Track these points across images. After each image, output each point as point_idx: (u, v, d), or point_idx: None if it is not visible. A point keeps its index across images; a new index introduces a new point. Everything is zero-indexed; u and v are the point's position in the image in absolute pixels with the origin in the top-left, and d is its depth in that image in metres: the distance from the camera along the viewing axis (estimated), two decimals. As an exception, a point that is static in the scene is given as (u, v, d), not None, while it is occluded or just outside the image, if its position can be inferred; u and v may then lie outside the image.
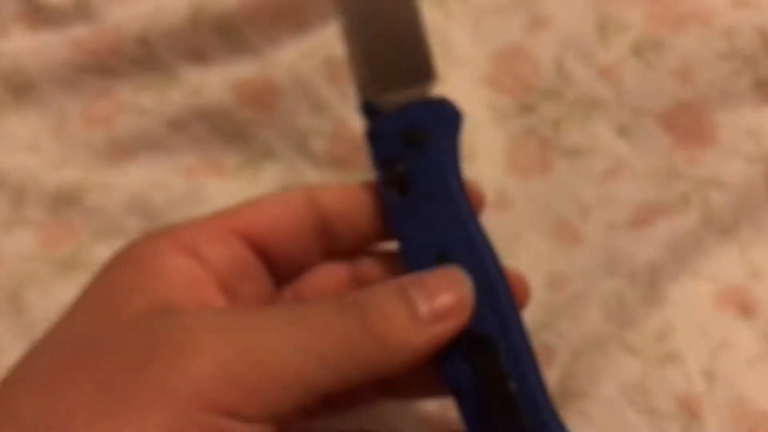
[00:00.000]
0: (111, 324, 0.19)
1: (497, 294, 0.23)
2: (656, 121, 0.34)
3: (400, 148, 0.24)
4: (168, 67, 0.36)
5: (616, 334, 0.30)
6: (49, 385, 0.18)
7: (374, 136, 0.24)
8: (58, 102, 0.36)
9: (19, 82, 0.36)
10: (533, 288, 0.32)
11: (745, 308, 0.31)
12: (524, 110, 0.35)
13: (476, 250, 0.23)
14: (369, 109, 0.25)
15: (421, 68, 0.25)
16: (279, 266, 0.24)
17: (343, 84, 0.35)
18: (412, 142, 0.24)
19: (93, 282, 0.22)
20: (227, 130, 0.35)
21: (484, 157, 0.35)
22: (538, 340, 0.31)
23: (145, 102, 0.36)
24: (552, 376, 0.30)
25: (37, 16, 0.38)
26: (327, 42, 0.35)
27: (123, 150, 0.35)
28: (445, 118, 0.24)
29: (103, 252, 0.33)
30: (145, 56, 0.36)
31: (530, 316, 0.31)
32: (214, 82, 0.36)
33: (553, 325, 0.31)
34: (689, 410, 0.29)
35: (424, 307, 0.20)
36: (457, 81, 0.36)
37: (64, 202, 0.34)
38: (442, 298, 0.21)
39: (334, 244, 0.24)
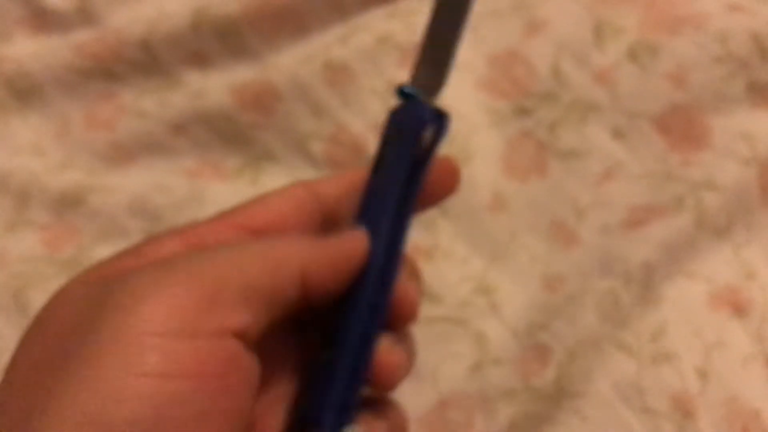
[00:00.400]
0: (71, 298, 0.20)
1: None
2: (651, 124, 0.35)
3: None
4: (170, 71, 0.37)
5: (611, 334, 0.30)
6: (31, 368, 0.19)
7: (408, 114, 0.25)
8: (62, 105, 0.37)
9: (23, 86, 0.36)
10: (530, 288, 0.33)
11: (738, 308, 0.32)
12: (521, 113, 0.36)
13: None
14: (404, 93, 0.25)
15: (443, 81, 0.26)
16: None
17: (342, 88, 0.36)
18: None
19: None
20: (228, 133, 0.36)
21: (481, 159, 0.35)
22: (534, 339, 0.31)
23: (146, 105, 0.36)
24: (548, 375, 0.30)
25: (41, 20, 0.38)
26: (326, 47, 0.36)
27: (125, 153, 0.36)
28: (443, 131, 0.25)
29: (105, 253, 0.33)
30: (147, 60, 0.36)
31: (527, 316, 0.32)
32: (215, 85, 0.36)
33: (549, 325, 0.31)
34: (683, 409, 0.29)
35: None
36: (454, 85, 0.36)
37: (68, 204, 0.34)
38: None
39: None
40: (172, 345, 0.17)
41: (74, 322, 0.18)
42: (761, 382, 0.30)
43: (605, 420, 0.29)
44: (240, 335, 0.18)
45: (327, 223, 0.24)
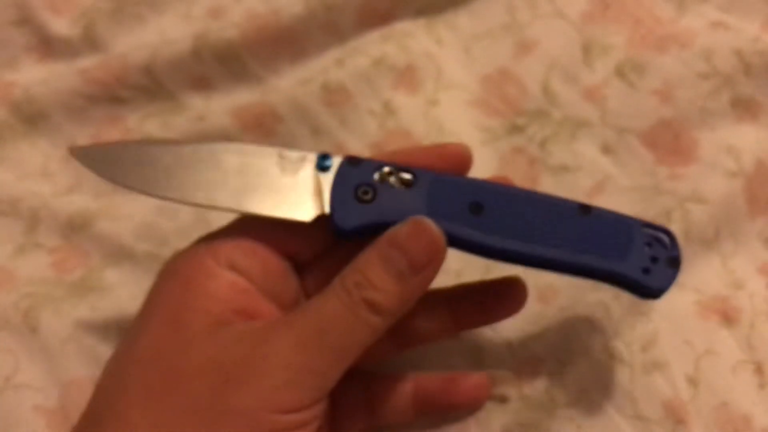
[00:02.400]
0: (181, 344, 0.23)
1: None
2: (639, 139, 0.35)
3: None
4: (173, 95, 0.37)
5: (603, 344, 0.31)
6: (149, 400, 0.22)
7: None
8: (69, 130, 0.37)
9: (31, 111, 0.37)
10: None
11: (727, 317, 0.32)
12: (513, 130, 0.37)
13: None
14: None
15: None
16: (300, 259, 0.26)
17: (339, 109, 0.37)
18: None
19: (150, 301, 0.24)
20: None
21: (475, 174, 0.36)
22: (527, 350, 0.32)
23: (151, 128, 0.37)
24: (541, 384, 0.31)
25: (47, 47, 0.39)
26: (324, 70, 0.37)
27: None
28: None
29: (113, 275, 0.34)
30: (150, 85, 0.37)
31: (520, 327, 0.33)
32: (217, 108, 0.37)
33: (542, 335, 0.32)
34: (675, 416, 0.30)
35: (402, 264, 0.23)
36: (449, 104, 0.37)
37: (76, 227, 0.35)
38: (416, 249, 0.23)
39: None
40: (274, 419, 0.22)
41: (203, 375, 0.22)
42: (751, 389, 0.31)
43: (599, 428, 0.30)
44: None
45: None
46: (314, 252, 0.27)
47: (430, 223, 0.24)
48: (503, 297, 0.29)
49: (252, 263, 0.24)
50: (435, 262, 0.24)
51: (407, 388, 0.29)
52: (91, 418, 0.23)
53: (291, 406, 0.22)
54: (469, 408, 0.30)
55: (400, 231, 0.23)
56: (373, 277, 0.23)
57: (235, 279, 0.24)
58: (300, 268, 0.27)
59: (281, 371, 0.22)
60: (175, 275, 0.24)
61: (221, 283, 0.24)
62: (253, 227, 0.25)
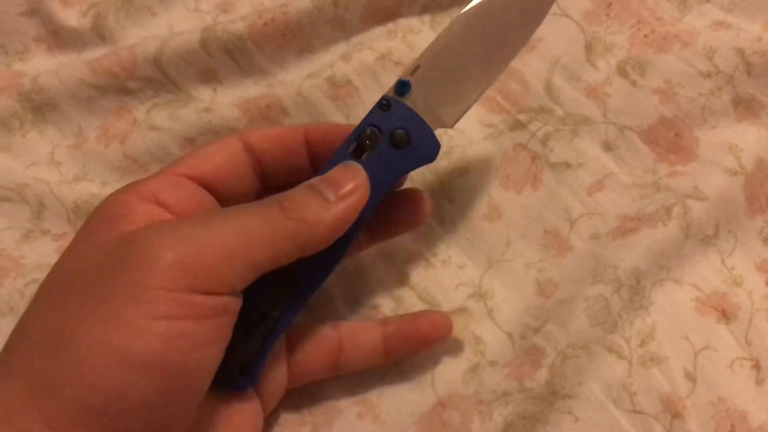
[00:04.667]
0: (87, 255, 0.24)
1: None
2: (640, 137, 0.36)
3: (386, 128, 0.27)
4: (180, 87, 0.38)
5: (602, 338, 0.31)
6: (47, 309, 0.23)
7: (386, 103, 0.28)
8: (77, 119, 0.38)
9: (40, 100, 0.37)
10: (524, 294, 0.33)
11: (725, 313, 0.32)
12: (515, 126, 0.37)
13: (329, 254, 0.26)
14: (401, 87, 0.28)
15: (453, 117, 0.30)
16: (227, 202, 0.28)
17: (344, 102, 0.37)
18: (396, 137, 0.27)
19: (76, 234, 0.25)
20: None
21: (477, 170, 0.36)
22: (527, 343, 0.32)
23: (158, 120, 0.37)
24: (541, 377, 0.31)
25: (57, 38, 0.40)
26: (330, 64, 0.37)
27: (137, 165, 0.37)
28: (430, 151, 0.28)
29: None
30: (158, 76, 0.37)
31: (521, 320, 0.33)
32: (224, 100, 0.37)
33: (543, 329, 0.32)
34: (673, 410, 0.30)
35: (329, 193, 0.25)
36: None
37: (82, 213, 0.35)
38: (343, 183, 0.26)
39: (269, 180, 0.29)
40: (177, 297, 0.22)
41: (97, 269, 0.23)
42: (748, 385, 0.31)
43: (597, 420, 0.30)
44: (229, 292, 0.23)
45: (259, 172, 0.29)
46: (245, 194, 0.29)
47: (357, 165, 0.26)
48: (409, 208, 0.31)
49: (176, 197, 0.26)
50: (359, 194, 0.26)
51: (375, 331, 0.31)
52: (10, 338, 0.24)
53: (194, 286, 0.22)
54: (432, 343, 0.31)
55: (330, 171, 0.26)
56: (298, 196, 0.25)
57: (153, 209, 0.25)
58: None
59: (179, 253, 0.22)
60: (97, 210, 0.26)
61: (137, 210, 0.25)
62: (186, 166, 0.27)
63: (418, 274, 0.34)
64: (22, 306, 0.33)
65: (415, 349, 0.31)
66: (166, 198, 0.26)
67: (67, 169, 0.37)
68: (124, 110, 0.38)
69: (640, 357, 0.31)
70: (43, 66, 0.39)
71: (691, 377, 0.31)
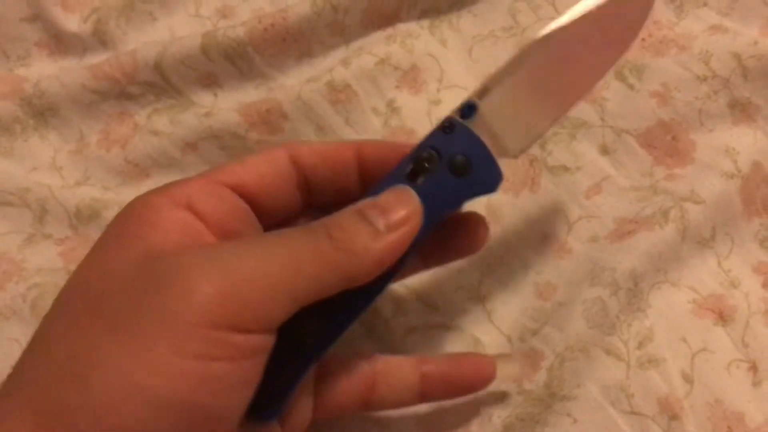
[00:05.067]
0: (114, 269, 0.21)
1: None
2: (637, 140, 0.36)
3: (446, 152, 0.25)
4: (181, 92, 0.38)
5: (600, 340, 0.31)
6: (66, 327, 0.21)
7: (449, 126, 0.26)
8: (78, 124, 0.38)
9: (41, 105, 0.38)
10: (523, 297, 0.34)
11: (722, 316, 0.33)
12: (514, 130, 0.37)
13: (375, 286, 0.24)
14: (467, 110, 0.26)
15: (519, 148, 0.27)
16: (266, 214, 0.26)
17: (344, 107, 0.37)
18: (456, 163, 0.25)
19: (99, 239, 0.23)
20: (236, 150, 0.37)
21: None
22: (526, 345, 0.32)
23: (159, 124, 0.37)
24: (539, 379, 0.31)
25: (58, 43, 0.40)
26: (329, 69, 0.37)
27: (139, 169, 0.37)
28: (491, 180, 0.26)
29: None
30: (159, 81, 0.38)
31: (519, 322, 0.33)
32: (225, 105, 0.38)
33: (541, 331, 0.32)
34: (670, 411, 0.30)
35: (380, 221, 0.23)
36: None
37: (84, 218, 0.36)
38: (395, 211, 0.23)
39: (314, 197, 0.27)
40: (214, 336, 0.20)
41: (125, 289, 0.20)
42: (745, 386, 0.31)
43: (595, 422, 0.30)
44: (268, 330, 0.21)
45: (304, 187, 0.27)
46: (286, 209, 0.27)
47: (410, 191, 0.24)
48: (466, 233, 0.29)
49: (211, 205, 0.24)
50: (410, 225, 0.24)
51: (413, 370, 0.28)
52: (21, 357, 0.21)
53: (228, 322, 0.20)
54: (474, 390, 0.30)
55: (381, 195, 0.24)
56: (347, 224, 0.23)
57: (185, 217, 0.23)
58: (270, 227, 0.26)
59: (217, 282, 0.20)
60: (123, 212, 0.24)
61: (168, 217, 0.23)
62: (227, 173, 0.25)
63: (417, 277, 0.34)
64: (24, 309, 0.34)
65: (454, 394, 0.30)
66: (200, 206, 0.24)
67: (68, 173, 0.37)
68: (126, 115, 0.38)
69: (637, 359, 0.31)
70: (45, 71, 0.39)
71: (688, 379, 0.31)
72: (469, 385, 0.29)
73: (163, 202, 0.23)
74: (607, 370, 0.31)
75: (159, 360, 0.19)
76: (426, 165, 0.25)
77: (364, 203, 0.24)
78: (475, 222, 0.28)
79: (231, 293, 0.20)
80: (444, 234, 0.28)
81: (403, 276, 0.30)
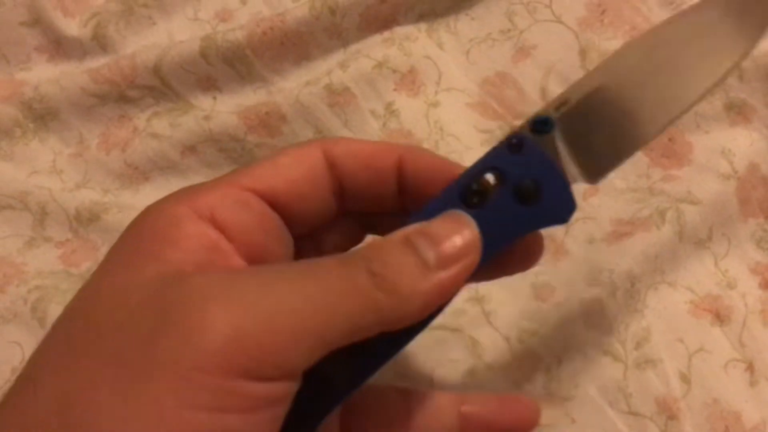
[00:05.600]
0: (121, 294, 0.18)
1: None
2: (634, 142, 0.36)
3: (512, 175, 0.22)
4: (180, 95, 0.38)
5: (598, 341, 0.31)
6: (65, 361, 0.18)
7: (517, 143, 0.22)
8: (78, 128, 0.38)
9: (41, 109, 0.38)
10: (521, 298, 0.34)
11: (719, 316, 0.33)
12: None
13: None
14: (541, 126, 0.22)
15: (599, 172, 0.23)
16: (297, 223, 0.23)
17: (342, 110, 0.37)
18: (523, 189, 0.21)
19: (110, 252, 0.20)
20: (236, 153, 0.37)
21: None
22: (524, 346, 0.33)
23: (159, 128, 0.37)
24: (537, 379, 0.31)
25: (58, 48, 0.40)
26: (328, 72, 0.38)
27: (138, 172, 0.37)
28: (562, 210, 0.22)
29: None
30: (159, 85, 0.38)
31: (518, 323, 0.33)
32: (223, 108, 0.38)
33: (539, 332, 0.32)
34: (668, 411, 0.30)
35: (430, 254, 0.19)
36: (449, 106, 0.38)
37: (84, 221, 0.36)
38: (449, 242, 0.20)
39: (349, 202, 0.24)
40: (227, 385, 0.17)
41: (133, 321, 0.18)
42: (742, 386, 0.31)
43: (593, 422, 0.30)
44: (290, 377, 0.18)
45: (340, 191, 0.23)
46: (319, 216, 0.23)
47: (468, 219, 0.21)
48: (519, 249, 0.24)
49: (237, 217, 0.21)
50: (467, 260, 0.20)
51: (451, 408, 0.25)
52: (9, 391, 0.18)
53: (243, 368, 0.17)
54: None
55: (433, 221, 0.21)
56: (391, 257, 0.19)
57: (208, 233, 0.20)
58: (303, 239, 0.24)
59: (232, 322, 0.17)
60: (139, 222, 0.20)
61: (189, 233, 0.20)
62: (255, 179, 0.22)
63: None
64: (25, 312, 0.34)
65: None
66: (224, 217, 0.21)
67: (68, 176, 0.37)
68: (125, 118, 0.38)
69: (635, 359, 0.31)
70: (45, 75, 0.39)
71: (685, 379, 0.31)
72: (511, 429, 0.26)
73: (183, 214, 0.20)
74: (604, 370, 0.31)
75: (164, 411, 0.16)
76: (487, 188, 0.21)
77: (412, 229, 0.20)
78: (531, 238, 0.24)
79: (251, 335, 0.17)
80: None
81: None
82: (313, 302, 0.18)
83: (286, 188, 0.22)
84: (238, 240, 0.21)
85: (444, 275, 0.19)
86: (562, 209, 0.22)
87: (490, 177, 0.22)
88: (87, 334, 0.18)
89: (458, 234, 0.20)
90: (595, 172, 0.23)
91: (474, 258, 0.20)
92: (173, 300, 0.18)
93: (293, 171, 0.22)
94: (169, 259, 0.19)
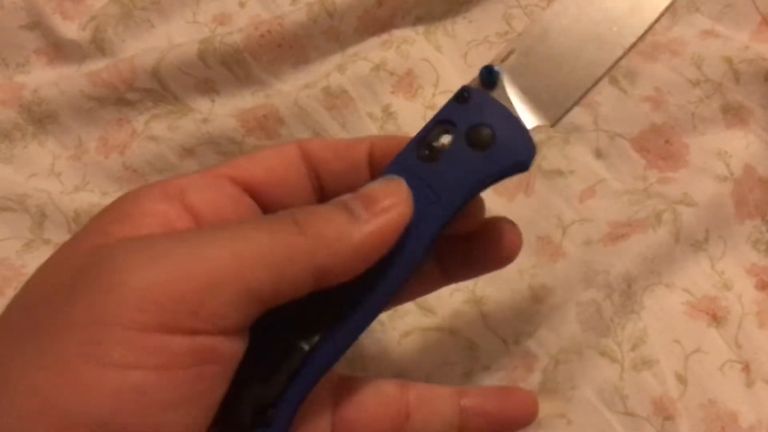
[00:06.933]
0: (58, 266, 0.19)
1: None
2: (631, 144, 0.36)
3: (463, 124, 0.21)
4: (179, 98, 0.38)
5: (595, 342, 0.32)
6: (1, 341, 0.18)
7: (463, 96, 0.22)
8: (77, 130, 0.38)
9: (40, 112, 0.38)
10: (518, 299, 0.34)
11: (716, 317, 0.33)
12: (509, 135, 0.37)
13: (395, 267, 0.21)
14: (487, 76, 0.22)
15: (556, 113, 0.23)
16: (275, 210, 0.23)
17: (340, 112, 0.37)
18: (475, 135, 0.21)
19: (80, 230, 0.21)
20: (234, 155, 0.37)
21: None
22: (521, 347, 0.33)
23: (157, 130, 0.38)
24: (534, 380, 0.31)
25: (57, 51, 0.40)
26: (325, 75, 0.38)
27: (137, 175, 0.37)
28: (520, 153, 0.22)
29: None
30: (157, 88, 0.38)
31: (514, 325, 0.33)
32: (222, 111, 0.38)
33: (536, 333, 0.32)
34: (664, 412, 0.30)
35: (356, 205, 0.20)
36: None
37: (83, 223, 0.35)
38: (380, 202, 0.20)
39: (326, 195, 0.24)
40: (138, 338, 0.16)
41: (57, 291, 0.18)
42: (738, 387, 0.32)
43: (590, 423, 0.30)
44: (219, 331, 0.18)
45: (315, 183, 0.24)
46: (296, 206, 0.23)
47: (398, 179, 0.21)
48: (494, 243, 0.25)
49: (208, 199, 0.21)
50: (395, 211, 0.20)
51: (451, 402, 0.25)
52: None
53: (167, 322, 0.16)
54: (517, 428, 0.26)
55: (364, 187, 0.21)
56: (318, 209, 0.20)
57: (165, 209, 0.20)
58: None
59: (151, 278, 0.17)
60: (108, 205, 0.21)
61: (146, 209, 0.20)
62: (232, 167, 0.22)
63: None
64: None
65: (496, 431, 0.26)
66: (195, 199, 0.21)
67: (67, 179, 0.38)
68: (124, 121, 0.38)
69: (631, 360, 0.31)
70: (44, 78, 0.39)
71: (682, 380, 0.31)
72: (512, 421, 0.25)
73: (146, 194, 0.20)
74: (601, 371, 0.31)
75: (75, 373, 0.16)
76: (439, 141, 0.21)
77: (347, 195, 0.21)
78: (504, 228, 0.25)
79: (164, 285, 0.17)
80: (469, 244, 0.25)
81: (425, 291, 0.27)
82: (233, 253, 0.18)
83: (262, 177, 0.23)
84: (208, 221, 0.21)
85: (373, 223, 0.20)
86: (520, 152, 0.22)
87: (441, 130, 0.22)
88: (18, 311, 0.18)
89: (390, 191, 0.21)
90: (552, 115, 0.23)
91: (403, 210, 0.20)
92: (92, 264, 0.17)
93: (270, 161, 0.23)
94: (112, 233, 0.19)
